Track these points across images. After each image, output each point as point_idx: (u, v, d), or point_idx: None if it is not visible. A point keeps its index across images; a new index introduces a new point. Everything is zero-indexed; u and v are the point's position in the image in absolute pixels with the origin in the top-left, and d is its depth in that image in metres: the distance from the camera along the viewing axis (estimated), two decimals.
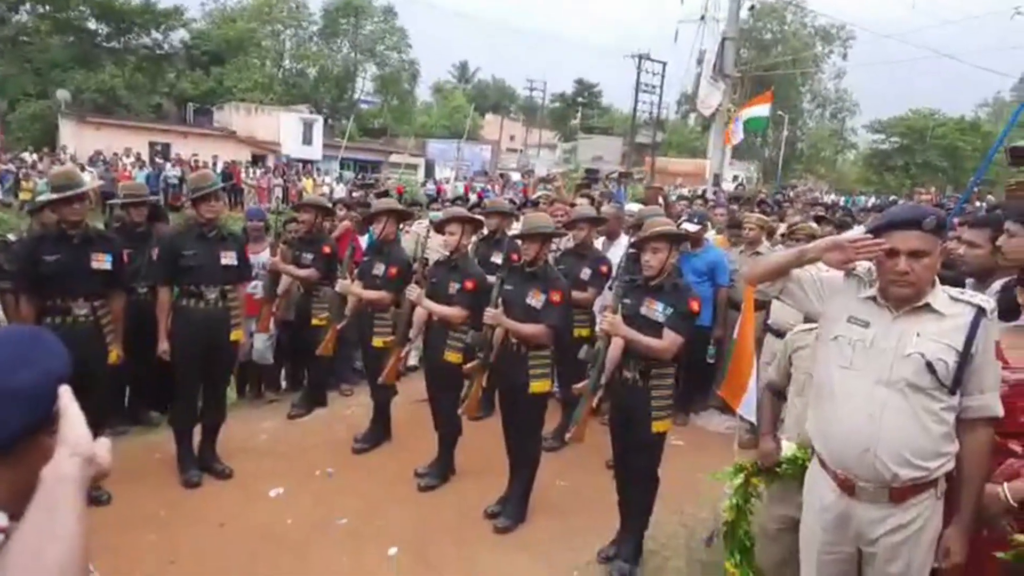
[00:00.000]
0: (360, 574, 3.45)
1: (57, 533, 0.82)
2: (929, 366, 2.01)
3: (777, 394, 3.07)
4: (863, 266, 2.19)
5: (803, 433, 2.48)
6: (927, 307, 2.07)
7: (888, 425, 2.05)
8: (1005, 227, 2.74)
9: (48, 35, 31.48)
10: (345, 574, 3.44)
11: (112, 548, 3.38)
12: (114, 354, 3.94)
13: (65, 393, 0.92)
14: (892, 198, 26.45)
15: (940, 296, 2.08)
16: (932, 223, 2.02)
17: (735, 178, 33.09)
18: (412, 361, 5.80)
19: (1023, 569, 2.09)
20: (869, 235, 2.13)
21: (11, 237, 4.69)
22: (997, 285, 2.66)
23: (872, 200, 25.79)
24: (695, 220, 5.46)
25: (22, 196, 17.34)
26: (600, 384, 3.41)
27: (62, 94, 28.12)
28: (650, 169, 32.03)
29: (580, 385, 3.50)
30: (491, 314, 3.73)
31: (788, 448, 2.79)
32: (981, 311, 2.04)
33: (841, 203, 24.37)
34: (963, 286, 2.46)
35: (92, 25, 33.82)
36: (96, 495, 3.84)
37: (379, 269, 4.63)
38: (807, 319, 3.10)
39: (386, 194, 8.17)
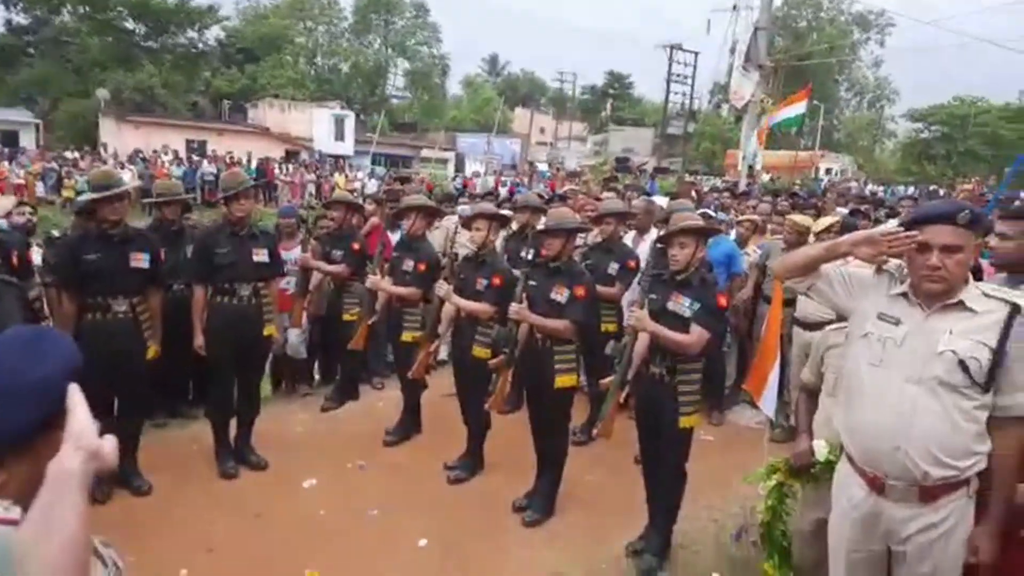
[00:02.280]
0: (390, 565, 3.50)
1: (56, 526, 0.85)
2: (962, 364, 1.98)
3: (812, 394, 3.04)
4: (894, 262, 2.16)
5: (833, 432, 2.45)
6: (960, 304, 2.04)
7: (919, 423, 2.02)
8: None
9: (88, 35, 32.27)
10: (376, 564, 3.50)
11: (152, 537, 3.50)
12: (152, 349, 4.05)
13: (74, 390, 0.96)
14: (932, 188, 25.77)
15: (973, 293, 2.05)
16: (966, 217, 1.99)
17: (828, 171, 31.87)
18: (442, 356, 5.86)
19: None
20: (901, 228, 2.10)
21: (55, 233, 4.83)
22: None
23: (911, 190, 25.09)
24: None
25: (65, 194, 17.85)
26: (626, 380, 3.42)
27: (102, 93, 28.80)
28: (736, 160, 31.14)
29: (606, 381, 3.51)
30: (515, 309, 3.75)
31: (821, 449, 2.76)
32: (1016, 308, 1.99)
33: (880, 193, 23.84)
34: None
35: (130, 25, 34.64)
36: (137, 485, 3.97)
37: (408, 265, 4.68)
38: (838, 317, 3.06)
39: (408, 180, 8.25)
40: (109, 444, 0.95)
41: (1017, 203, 5.80)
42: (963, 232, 2.00)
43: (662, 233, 3.70)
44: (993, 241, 3.08)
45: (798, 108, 10.98)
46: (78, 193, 12.67)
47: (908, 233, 2.04)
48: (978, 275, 2.91)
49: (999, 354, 1.97)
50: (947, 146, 41.25)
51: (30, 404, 0.92)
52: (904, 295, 2.12)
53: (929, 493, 2.06)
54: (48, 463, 0.89)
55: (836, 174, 31.71)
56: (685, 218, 3.39)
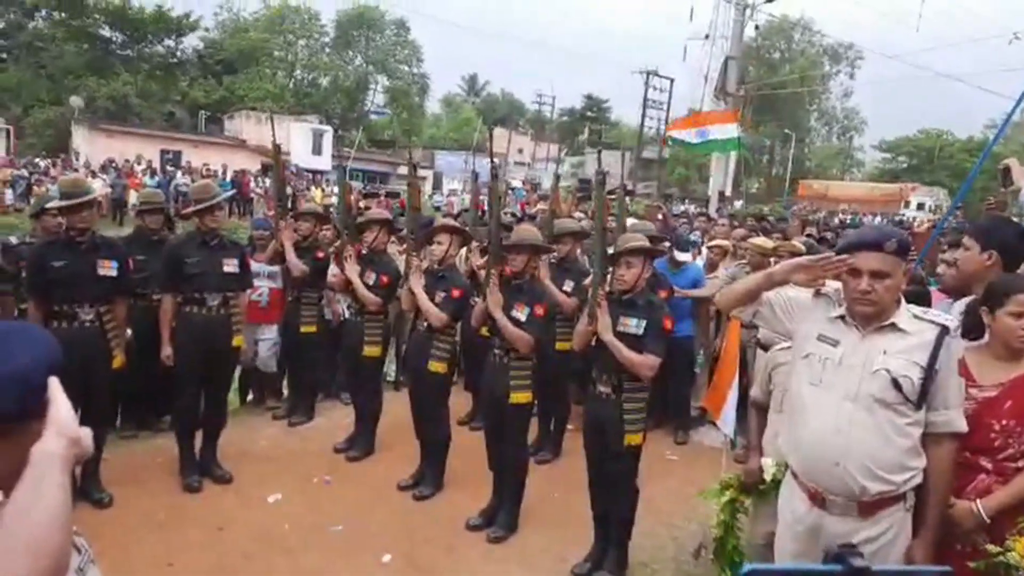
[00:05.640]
0: None
1: (42, 502, 0.91)
2: (895, 382, 2.08)
3: (762, 411, 3.14)
4: (832, 286, 2.27)
5: (778, 449, 2.54)
6: (892, 326, 2.14)
7: (856, 439, 2.12)
8: (962, 242, 2.80)
9: (63, 42, 31.93)
10: None
11: (112, 549, 3.45)
12: (118, 359, 4.03)
13: (54, 383, 1.02)
14: (898, 218, 26.42)
15: (905, 315, 2.16)
16: (893, 245, 2.10)
17: (920, 205, 30.71)
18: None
19: None
20: (834, 254, 2.22)
21: (13, 240, 4.77)
22: (960, 305, 2.73)
23: (878, 219, 25.67)
24: (686, 247, 5.65)
25: (34, 201, 17.52)
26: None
27: (75, 101, 28.46)
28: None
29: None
30: (494, 297, 3.73)
31: (769, 467, 2.85)
32: (944, 329, 2.11)
33: (848, 221, 24.34)
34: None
35: (106, 33, 34.32)
36: (98, 497, 3.93)
37: (370, 278, 4.72)
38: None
39: (375, 195, 8.68)
40: (87, 434, 1.02)
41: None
42: (891, 259, 2.11)
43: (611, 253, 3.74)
44: (940, 268, 3.23)
45: (726, 131, 10.94)
46: (41, 201, 12.47)
47: (839, 258, 2.16)
48: (928, 301, 3.04)
49: (929, 372, 2.08)
50: (914, 177, 42.32)
51: (13, 392, 0.97)
52: (842, 317, 2.22)
53: (867, 507, 2.15)
54: (31, 448, 0.95)
55: (929, 209, 30.48)
56: (632, 239, 3.47)
